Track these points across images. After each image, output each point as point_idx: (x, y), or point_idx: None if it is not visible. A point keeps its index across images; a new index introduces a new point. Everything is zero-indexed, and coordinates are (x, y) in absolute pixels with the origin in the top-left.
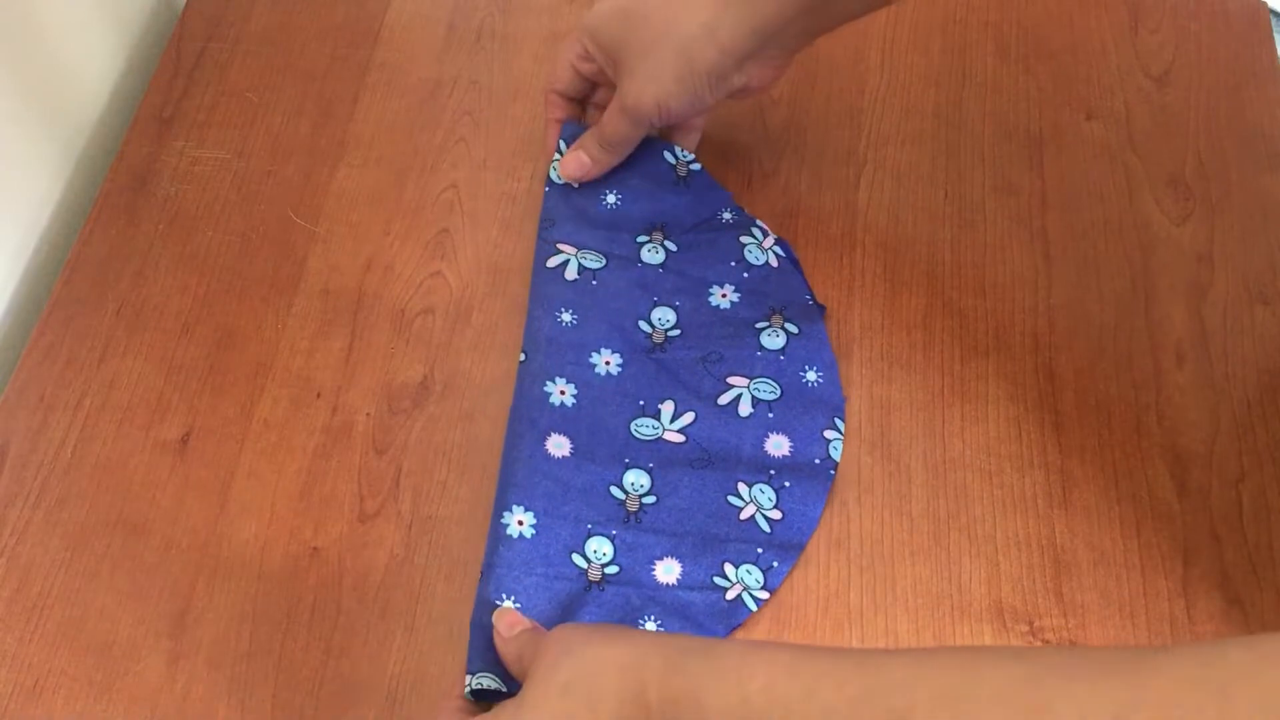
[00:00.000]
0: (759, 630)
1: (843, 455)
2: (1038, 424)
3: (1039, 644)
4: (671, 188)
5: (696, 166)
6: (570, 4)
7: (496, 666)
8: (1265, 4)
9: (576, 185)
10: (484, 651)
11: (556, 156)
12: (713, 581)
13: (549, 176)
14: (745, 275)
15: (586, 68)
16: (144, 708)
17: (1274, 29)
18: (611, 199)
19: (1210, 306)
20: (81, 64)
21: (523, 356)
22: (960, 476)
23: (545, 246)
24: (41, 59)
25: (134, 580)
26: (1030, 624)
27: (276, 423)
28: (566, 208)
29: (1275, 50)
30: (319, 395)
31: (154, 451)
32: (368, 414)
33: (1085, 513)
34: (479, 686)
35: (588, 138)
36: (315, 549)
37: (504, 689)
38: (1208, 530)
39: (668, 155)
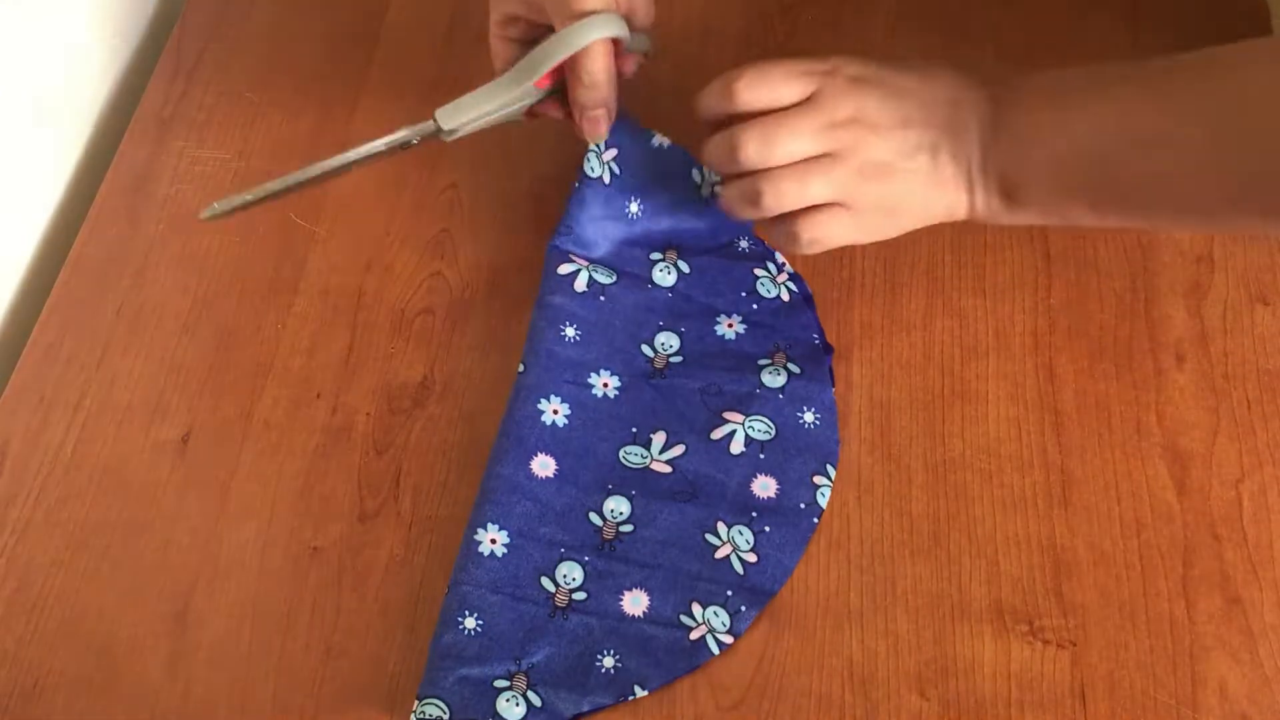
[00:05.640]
0: (757, 630)
1: (843, 455)
2: (1038, 424)
3: (1039, 644)
4: (693, 207)
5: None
6: None
7: (447, 693)
8: (1265, 4)
9: (607, 182)
10: (437, 676)
11: (593, 151)
12: (679, 619)
13: (582, 171)
14: (754, 307)
15: (515, 31)
16: (144, 708)
17: (1274, 29)
18: (634, 207)
19: (1210, 306)
20: (81, 64)
21: (521, 368)
22: (960, 476)
23: (558, 254)
24: (42, 59)
25: (134, 580)
26: (1030, 624)
27: (276, 423)
28: (587, 213)
29: None
30: (319, 395)
31: (154, 451)
32: (368, 414)
33: (1085, 513)
34: (423, 716)
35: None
36: (315, 549)
37: (446, 717)
38: (1208, 530)
39: (695, 174)
